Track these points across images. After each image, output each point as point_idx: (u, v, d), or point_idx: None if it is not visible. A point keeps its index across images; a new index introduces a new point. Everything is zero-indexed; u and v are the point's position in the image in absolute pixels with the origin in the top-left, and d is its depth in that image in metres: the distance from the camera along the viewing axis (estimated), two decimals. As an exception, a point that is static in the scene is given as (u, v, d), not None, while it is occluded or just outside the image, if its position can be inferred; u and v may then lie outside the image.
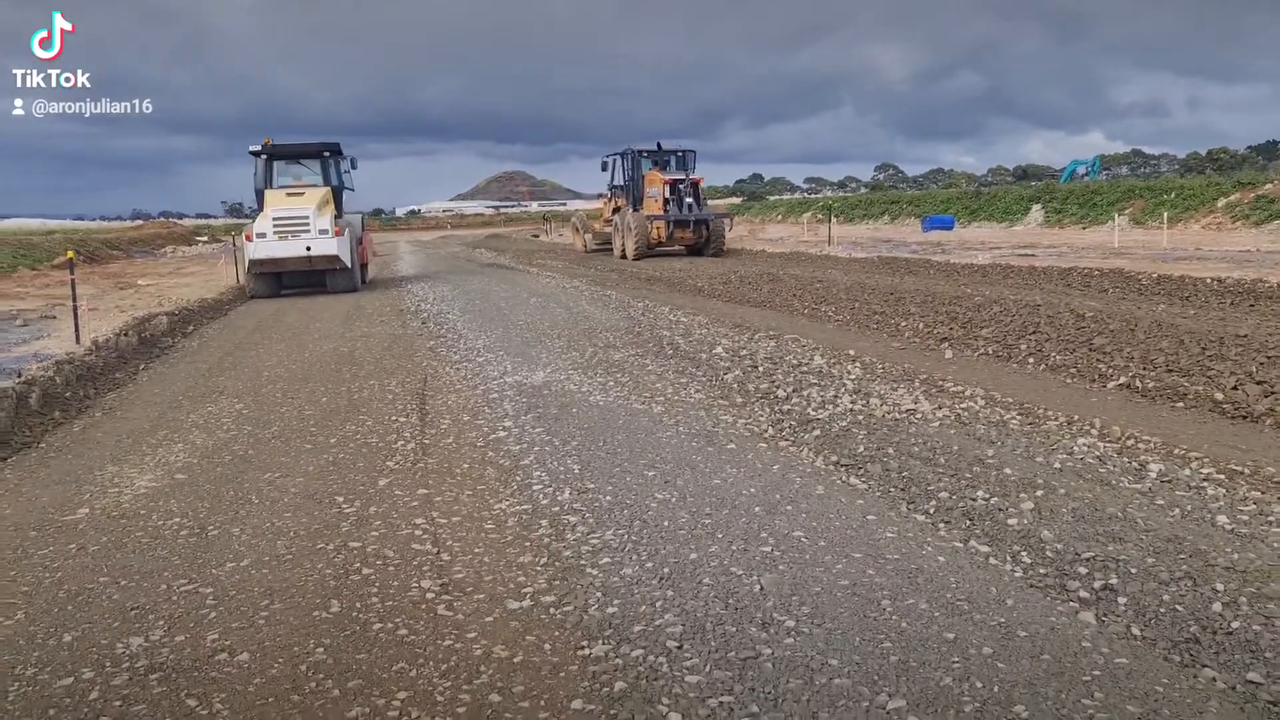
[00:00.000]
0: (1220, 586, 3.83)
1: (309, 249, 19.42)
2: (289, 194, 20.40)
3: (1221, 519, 4.59)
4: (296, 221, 19.42)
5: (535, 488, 5.62)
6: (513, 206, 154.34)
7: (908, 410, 7.13)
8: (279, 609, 4.06)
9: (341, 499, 5.58)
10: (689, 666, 3.37)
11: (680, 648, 3.52)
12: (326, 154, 21.68)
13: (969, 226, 45.25)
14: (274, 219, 19.44)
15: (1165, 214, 31.75)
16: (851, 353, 9.75)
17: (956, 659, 3.34)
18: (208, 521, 5.28)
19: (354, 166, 22.73)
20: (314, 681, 3.41)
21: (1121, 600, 3.76)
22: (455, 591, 4.15)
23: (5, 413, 7.45)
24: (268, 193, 20.49)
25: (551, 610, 3.92)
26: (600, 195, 37.34)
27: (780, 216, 65.17)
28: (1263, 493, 4.95)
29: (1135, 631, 3.51)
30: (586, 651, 3.53)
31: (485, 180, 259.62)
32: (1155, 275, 16.18)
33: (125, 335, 12.03)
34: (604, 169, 32.42)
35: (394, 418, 7.69)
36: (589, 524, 4.93)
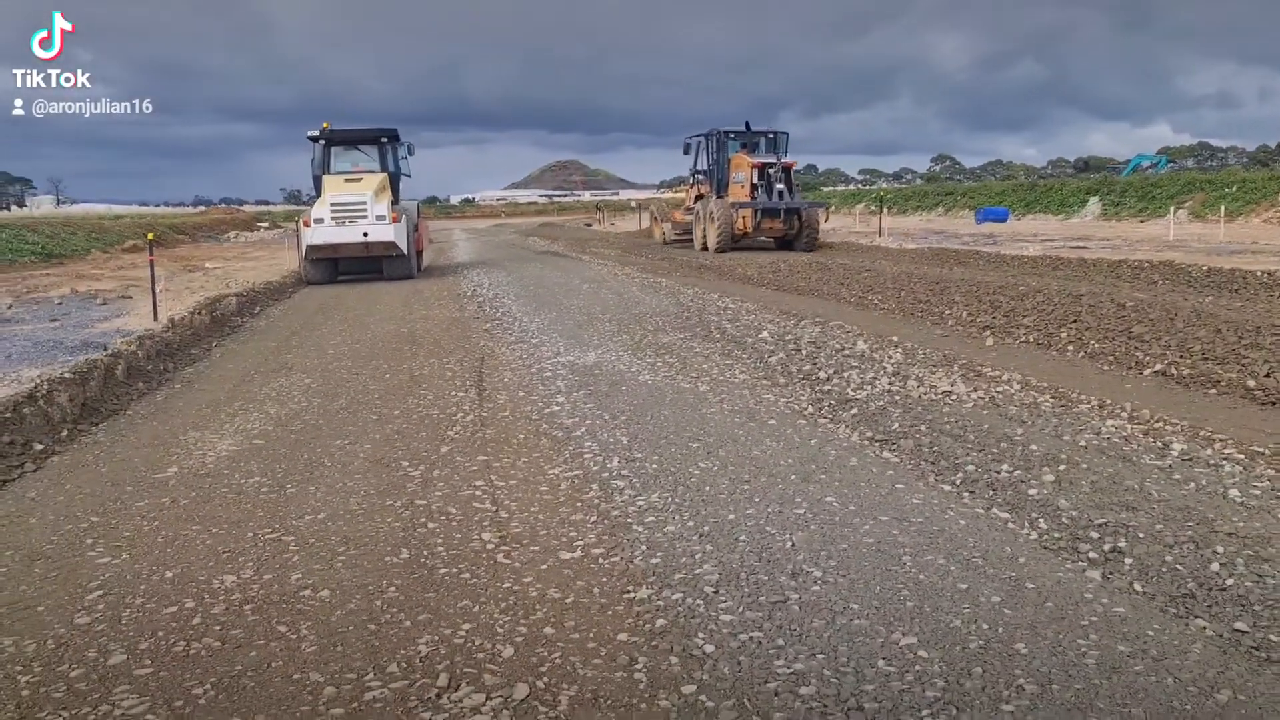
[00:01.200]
0: (1220, 550, 4.10)
1: (366, 235, 19.65)
2: (347, 180, 20.64)
3: (1234, 493, 4.84)
4: (354, 207, 19.70)
5: (586, 456, 6.01)
6: (565, 195, 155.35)
7: (944, 392, 7.40)
8: (354, 554, 4.50)
9: (407, 463, 6.02)
10: (724, 607, 3.74)
11: (716, 592, 3.88)
12: (384, 140, 21.74)
13: (1024, 219, 44.84)
14: (332, 204, 19.72)
15: (1223, 207, 31.28)
16: (894, 339, 10.02)
17: (967, 605, 3.66)
18: (285, 481, 5.75)
19: (411, 153, 22.77)
20: (388, 615, 3.84)
21: (1127, 561, 4.05)
22: (513, 543, 4.56)
23: (96, 382, 8.03)
24: (326, 178, 20.76)
25: (600, 560, 4.30)
26: (675, 184, 36.18)
27: (833, 207, 64.96)
28: (1278, 471, 5.18)
29: (1136, 587, 3.80)
30: (632, 594, 3.91)
31: (539, 169, 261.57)
32: (1205, 268, 16.15)
33: (198, 314, 12.68)
34: (686, 152, 29.33)
35: (453, 393, 8.14)
36: (636, 488, 5.31)
